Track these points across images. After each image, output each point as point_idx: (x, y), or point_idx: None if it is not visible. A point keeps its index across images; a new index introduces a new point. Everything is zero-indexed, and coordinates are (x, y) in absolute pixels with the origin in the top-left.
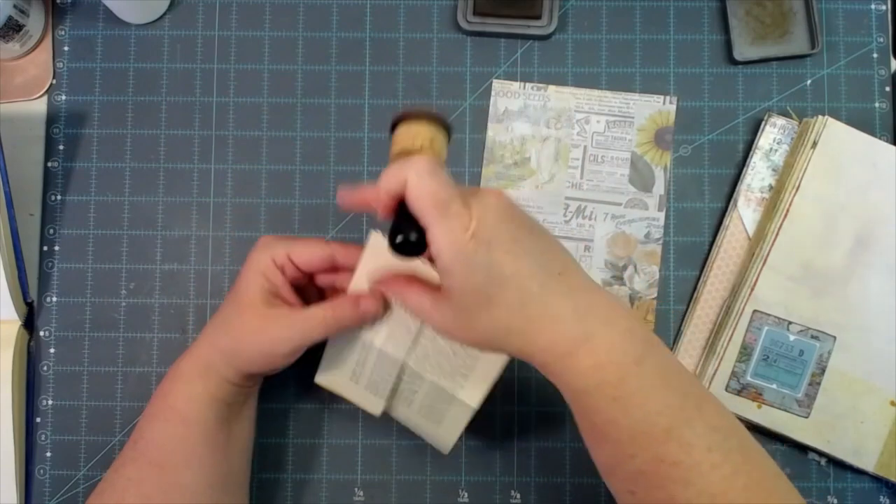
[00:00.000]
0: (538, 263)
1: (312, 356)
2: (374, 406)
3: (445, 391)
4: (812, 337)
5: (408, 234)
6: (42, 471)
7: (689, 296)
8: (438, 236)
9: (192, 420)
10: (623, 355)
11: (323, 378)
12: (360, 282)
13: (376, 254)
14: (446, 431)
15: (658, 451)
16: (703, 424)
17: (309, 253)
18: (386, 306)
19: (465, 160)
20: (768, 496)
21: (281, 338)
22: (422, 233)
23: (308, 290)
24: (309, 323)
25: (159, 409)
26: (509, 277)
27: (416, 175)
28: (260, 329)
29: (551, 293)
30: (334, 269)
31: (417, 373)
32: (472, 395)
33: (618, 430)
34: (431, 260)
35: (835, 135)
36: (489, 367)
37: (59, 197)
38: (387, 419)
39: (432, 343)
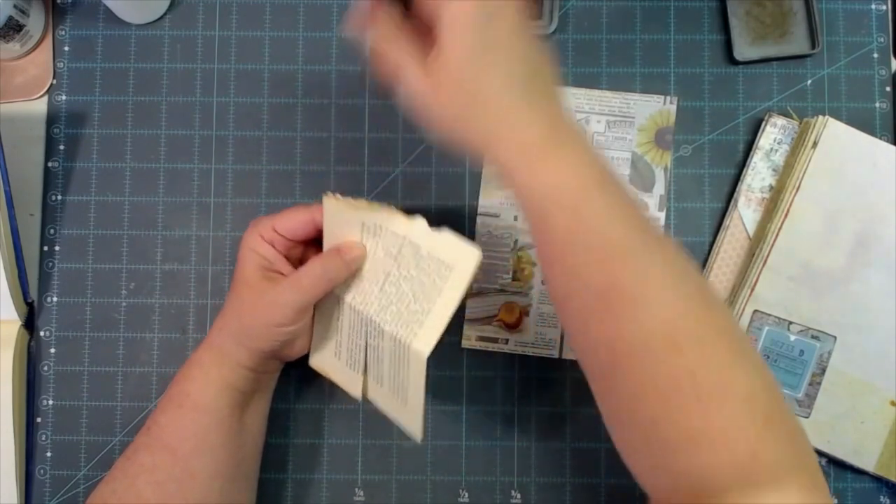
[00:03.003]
0: (533, 55)
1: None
2: (355, 384)
3: (402, 344)
4: (812, 337)
5: None
6: (42, 471)
7: None
8: None
9: (206, 407)
10: (587, 166)
11: (314, 359)
12: (330, 245)
13: (334, 218)
14: (411, 408)
15: (612, 276)
16: (660, 256)
17: (291, 220)
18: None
19: (465, 160)
20: (721, 337)
21: (278, 302)
22: None
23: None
24: (301, 282)
25: (174, 395)
26: (506, 46)
27: None
28: (259, 300)
29: (539, 88)
30: (320, 232)
31: (379, 326)
32: (424, 342)
33: (573, 252)
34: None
35: (835, 135)
36: (441, 314)
37: (59, 197)
38: (386, 419)
39: (396, 288)
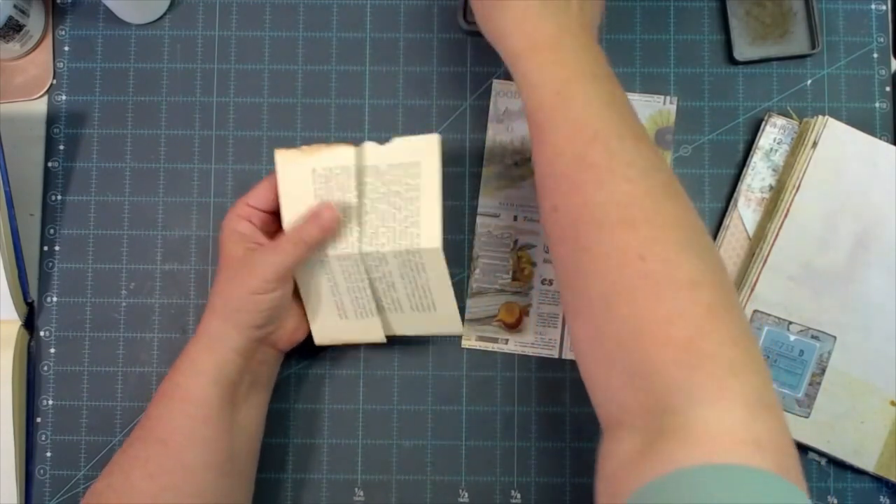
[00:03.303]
0: None
1: (311, 353)
2: (375, 330)
3: (409, 251)
4: (812, 337)
5: None
6: (42, 471)
7: None
8: None
9: (196, 399)
10: (586, 63)
11: (318, 336)
12: (290, 213)
13: (286, 174)
14: (443, 305)
15: (583, 150)
16: (633, 146)
17: (260, 190)
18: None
19: (465, 160)
20: (676, 224)
21: (257, 266)
22: None
23: None
24: (280, 246)
25: (167, 387)
26: None
27: None
28: (241, 270)
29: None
30: None
31: (378, 253)
32: (432, 237)
33: (553, 128)
34: None
35: (835, 135)
36: (431, 206)
37: (59, 197)
38: (386, 419)
39: (375, 213)
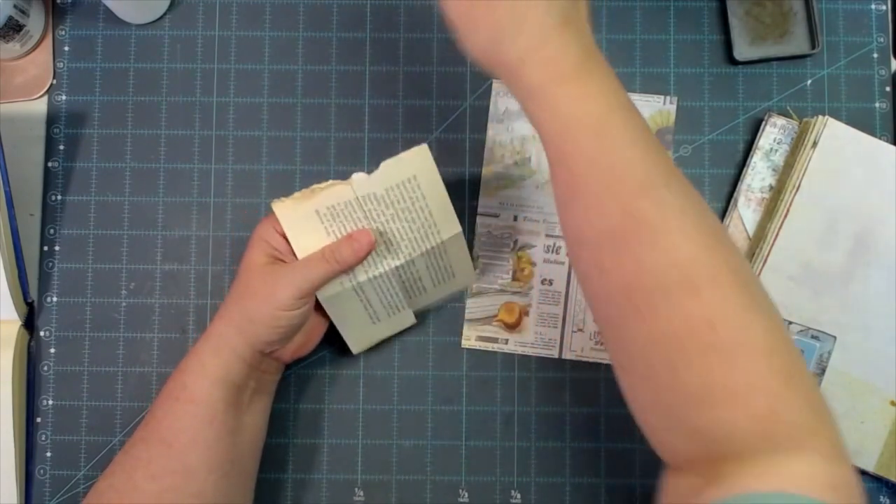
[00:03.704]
0: None
1: (311, 353)
2: (405, 318)
3: (433, 247)
4: (812, 337)
5: None
6: (42, 471)
7: None
8: None
9: (201, 400)
10: (613, 93)
11: (355, 345)
12: (304, 250)
13: (291, 220)
14: (461, 272)
15: (631, 205)
16: (682, 193)
17: None
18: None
19: (465, 160)
20: (741, 283)
21: (281, 283)
22: None
23: None
24: (310, 261)
25: (172, 388)
26: None
27: None
28: (263, 283)
29: (577, 17)
30: None
31: (407, 261)
32: (450, 226)
33: (594, 177)
34: None
35: (835, 135)
36: (442, 205)
37: (59, 197)
38: (386, 419)
39: (398, 224)
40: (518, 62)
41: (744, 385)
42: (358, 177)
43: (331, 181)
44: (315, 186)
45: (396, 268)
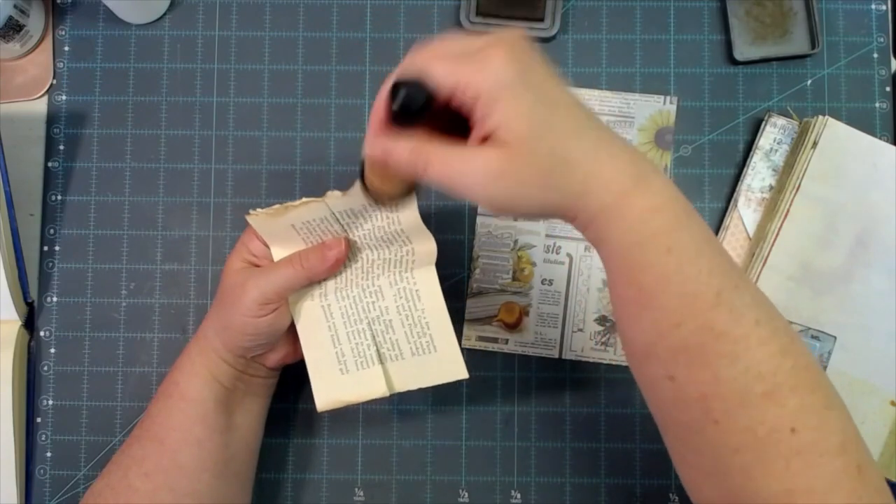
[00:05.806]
0: (568, 89)
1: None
2: (377, 382)
3: (403, 277)
4: (812, 337)
5: (409, 84)
6: (42, 471)
7: None
8: (471, 73)
9: (192, 397)
10: (675, 201)
11: (320, 397)
12: (281, 256)
13: (268, 231)
14: (443, 345)
15: (706, 317)
16: (750, 295)
17: None
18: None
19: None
20: (815, 383)
21: (248, 286)
22: (422, 87)
23: None
24: (274, 267)
25: (165, 386)
26: (558, 101)
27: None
28: (233, 287)
29: (601, 127)
30: None
31: (374, 286)
32: (424, 258)
33: (667, 292)
34: (446, 113)
35: (835, 135)
36: (415, 226)
37: (59, 197)
38: (386, 419)
39: (367, 250)
40: (577, 200)
41: (823, 486)
42: (333, 194)
43: (303, 199)
44: (288, 204)
45: (361, 293)
